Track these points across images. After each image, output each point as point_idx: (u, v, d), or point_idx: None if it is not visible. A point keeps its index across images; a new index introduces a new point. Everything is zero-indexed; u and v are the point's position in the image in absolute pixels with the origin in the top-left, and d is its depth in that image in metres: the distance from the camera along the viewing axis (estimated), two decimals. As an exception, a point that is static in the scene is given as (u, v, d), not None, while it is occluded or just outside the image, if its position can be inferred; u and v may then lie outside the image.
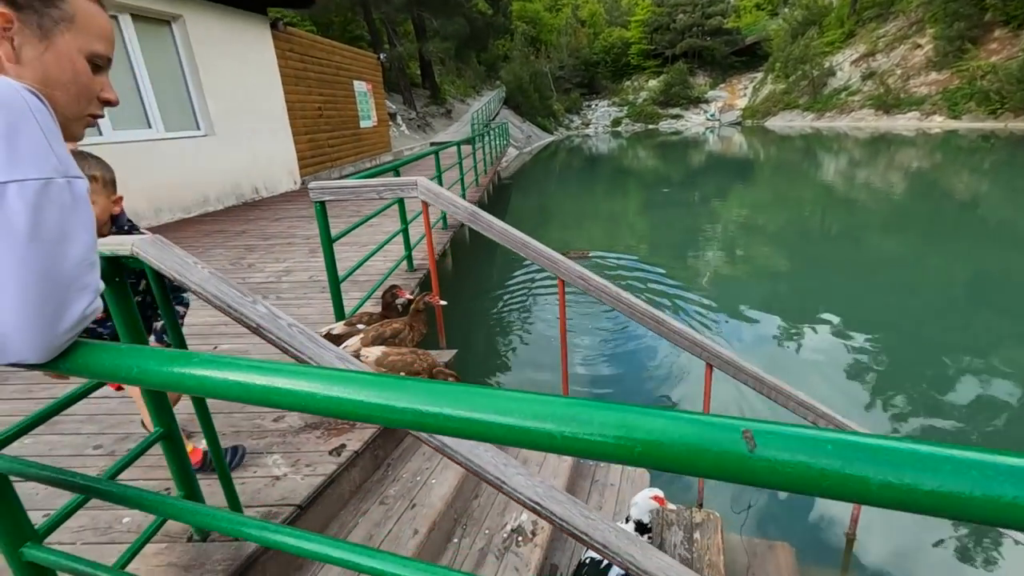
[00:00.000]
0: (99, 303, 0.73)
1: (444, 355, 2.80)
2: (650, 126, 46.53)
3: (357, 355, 2.34)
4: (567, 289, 2.47)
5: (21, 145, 0.62)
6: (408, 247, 4.30)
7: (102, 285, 0.74)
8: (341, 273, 3.07)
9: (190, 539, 1.58)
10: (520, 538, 2.01)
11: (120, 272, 1.26)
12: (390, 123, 20.10)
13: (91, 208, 0.71)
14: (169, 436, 1.43)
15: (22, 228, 0.62)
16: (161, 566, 1.49)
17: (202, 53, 7.56)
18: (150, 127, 6.92)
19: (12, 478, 0.96)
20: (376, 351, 2.34)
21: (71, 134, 0.81)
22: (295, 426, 2.15)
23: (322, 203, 2.56)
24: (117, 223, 1.60)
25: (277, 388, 0.61)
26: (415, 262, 4.40)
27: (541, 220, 12.37)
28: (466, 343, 4.74)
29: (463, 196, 7.64)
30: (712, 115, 45.80)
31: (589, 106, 51.20)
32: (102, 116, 0.86)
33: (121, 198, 1.60)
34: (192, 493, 1.54)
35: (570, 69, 49.76)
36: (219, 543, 1.56)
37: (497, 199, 14.25)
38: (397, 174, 4.04)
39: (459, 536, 2.04)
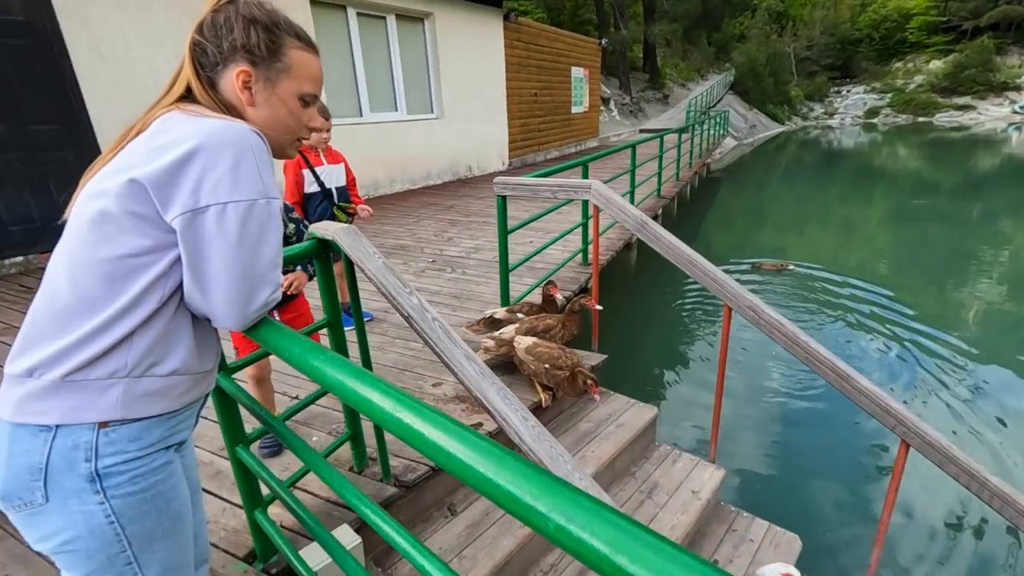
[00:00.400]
0: (279, 293, 0.95)
1: (593, 358, 2.81)
2: (920, 119, 37.38)
3: (511, 342, 2.52)
4: (735, 317, 2.24)
5: (241, 175, 0.84)
6: (585, 240, 4.36)
7: (281, 278, 0.96)
8: (517, 259, 3.30)
9: (350, 469, 1.94)
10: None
11: (325, 250, 1.59)
12: (602, 108, 20.14)
13: (280, 222, 0.92)
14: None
15: (233, 236, 0.84)
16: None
17: (444, 45, 8.60)
18: (396, 110, 8.20)
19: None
20: (528, 340, 2.47)
21: (285, 155, 1.05)
22: (448, 395, 2.43)
23: (503, 197, 2.76)
24: (292, 220, 1.95)
25: (371, 401, 0.73)
26: (591, 255, 4.44)
27: (751, 220, 11.15)
28: (622, 348, 4.55)
29: (658, 192, 7.34)
30: (1022, 107, 34.75)
31: (838, 92, 43.39)
32: (308, 139, 1.09)
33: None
34: (356, 434, 1.88)
35: (820, 49, 42.70)
36: (368, 479, 1.88)
37: (701, 194, 13.27)
38: (585, 169, 4.10)
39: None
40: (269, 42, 0.93)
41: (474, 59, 9.32)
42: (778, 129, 34.53)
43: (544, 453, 1.19)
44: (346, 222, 2.99)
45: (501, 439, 2.03)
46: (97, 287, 0.82)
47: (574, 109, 13.71)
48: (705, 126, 14.40)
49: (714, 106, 27.04)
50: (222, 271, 0.85)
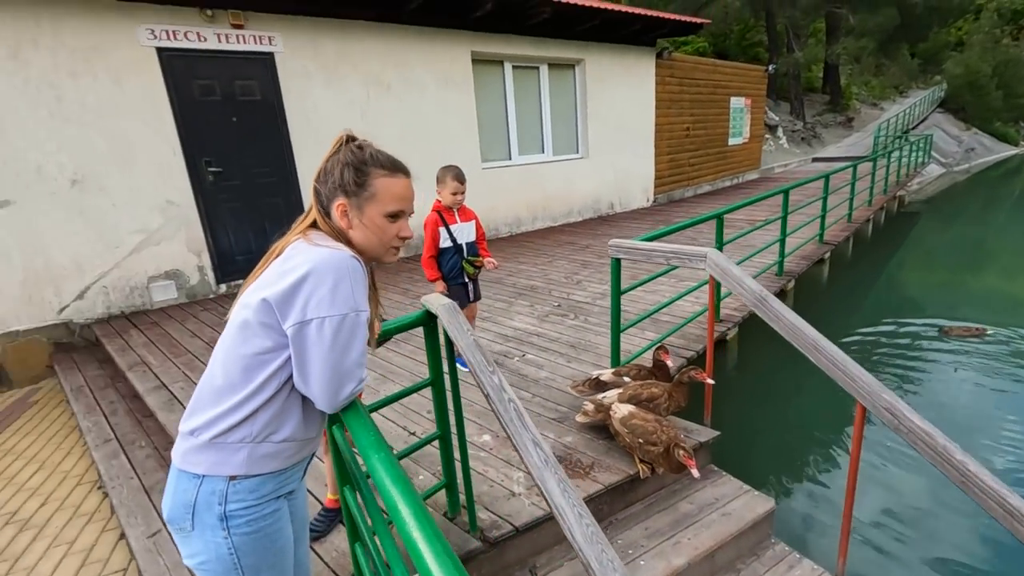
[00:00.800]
0: (362, 385, 1.15)
1: (703, 433, 2.64)
2: None
3: (608, 409, 2.50)
4: (870, 420, 1.95)
5: (338, 294, 1.06)
6: (719, 296, 4.10)
7: (367, 375, 1.16)
8: (642, 310, 3.26)
9: (444, 514, 2.12)
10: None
11: (432, 319, 1.80)
12: (767, 136, 18.61)
13: (366, 330, 1.12)
14: (443, 437, 1.96)
15: (328, 341, 1.06)
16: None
17: (593, 87, 8.85)
18: (543, 152, 8.64)
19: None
20: (625, 409, 2.44)
21: (383, 261, 1.26)
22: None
23: (618, 260, 2.78)
24: None
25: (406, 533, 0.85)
26: (722, 312, 4.17)
27: (962, 262, 9.15)
28: (742, 426, 3.95)
29: (820, 238, 6.54)
30: None
31: (1108, 103, 33.82)
32: (401, 245, 1.27)
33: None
34: (451, 482, 2.05)
35: (1080, 50, 33.88)
36: (457, 527, 2.03)
37: (891, 231, 11.38)
38: (720, 224, 3.88)
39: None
40: (356, 177, 1.15)
41: (623, 98, 9.40)
42: (1009, 152, 28.11)
43: (594, 556, 1.21)
44: (473, 273, 3.29)
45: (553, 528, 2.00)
46: (237, 374, 1.10)
47: (732, 140, 12.91)
48: (898, 154, 12.40)
49: (915, 128, 23.12)
50: (318, 367, 1.07)
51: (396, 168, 1.21)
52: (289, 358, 1.10)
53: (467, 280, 3.31)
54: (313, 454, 1.33)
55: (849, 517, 2.12)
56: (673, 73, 10.38)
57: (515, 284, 5.49)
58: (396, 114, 6.59)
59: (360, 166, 1.17)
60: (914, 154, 14.65)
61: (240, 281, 5.79)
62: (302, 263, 1.07)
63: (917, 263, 9.45)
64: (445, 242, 3.22)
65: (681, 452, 2.13)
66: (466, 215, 3.30)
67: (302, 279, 1.06)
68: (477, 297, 3.44)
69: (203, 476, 1.10)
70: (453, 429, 1.94)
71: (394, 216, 1.21)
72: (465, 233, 3.27)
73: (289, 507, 1.33)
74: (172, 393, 3.33)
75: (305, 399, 1.16)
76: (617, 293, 2.86)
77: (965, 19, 31.38)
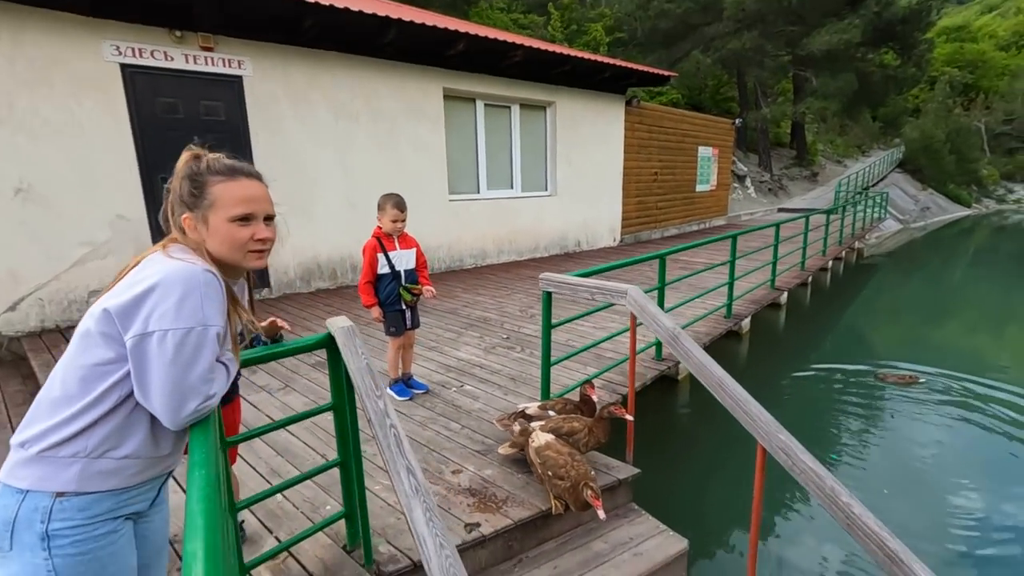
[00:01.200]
0: (211, 403, 1.12)
1: (623, 470, 2.63)
2: None
3: (528, 436, 2.48)
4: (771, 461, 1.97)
5: (185, 307, 1.05)
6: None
7: (215, 390, 1.13)
8: (576, 347, 3.28)
9: (343, 546, 2.04)
10: None
11: (333, 342, 1.78)
12: (736, 186, 19.37)
13: (216, 345, 1.11)
14: (344, 464, 1.91)
15: (169, 355, 1.04)
16: (316, 551, 1.98)
17: (563, 130, 9.14)
18: (512, 188, 8.80)
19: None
20: (543, 439, 2.42)
21: (243, 266, 1.24)
22: (462, 485, 2.45)
23: (548, 293, 2.82)
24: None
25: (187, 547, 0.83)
26: (664, 351, 4.22)
27: (918, 316, 9.41)
28: (664, 465, 3.88)
29: (771, 283, 6.74)
30: None
31: (1051, 172, 36.36)
32: (263, 248, 1.25)
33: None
34: (351, 513, 1.99)
35: (1024, 123, 36.60)
36: (354, 560, 1.96)
37: (849, 281, 11.75)
38: (663, 263, 3.98)
39: (551, 676, 1.91)
40: (193, 188, 1.17)
41: (592, 141, 9.72)
42: (961, 212, 29.71)
43: (447, 588, 1.17)
44: (411, 301, 3.28)
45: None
46: (75, 385, 1.07)
47: (699, 187, 13.38)
48: (860, 207, 12.94)
49: (874, 185, 24.35)
50: (158, 382, 1.05)
51: (235, 172, 1.21)
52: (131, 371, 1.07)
53: (404, 307, 3.30)
54: (170, 474, 1.29)
55: (754, 558, 2.11)
56: (643, 120, 10.81)
57: (469, 315, 5.48)
58: (364, 143, 6.68)
59: (196, 177, 1.18)
60: (872, 209, 15.39)
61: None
62: (152, 275, 1.07)
63: (869, 312, 9.77)
64: (383, 268, 3.22)
65: (588, 491, 2.11)
66: (407, 243, 3.32)
67: (148, 291, 1.05)
68: (415, 325, 3.42)
69: (27, 491, 1.05)
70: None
71: (243, 219, 1.19)
72: (404, 260, 3.28)
73: (141, 530, 1.27)
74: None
75: None
76: (547, 326, 2.88)
77: (920, 88, 33.72)
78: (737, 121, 15.20)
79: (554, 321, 2.91)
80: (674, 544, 2.36)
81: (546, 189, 9.31)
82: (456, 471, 2.57)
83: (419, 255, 3.37)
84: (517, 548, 2.27)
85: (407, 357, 3.52)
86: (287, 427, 2.75)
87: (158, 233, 5.32)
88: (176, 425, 1.09)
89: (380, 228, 3.23)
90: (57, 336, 4.65)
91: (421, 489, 1.35)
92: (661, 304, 4.20)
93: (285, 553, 2.00)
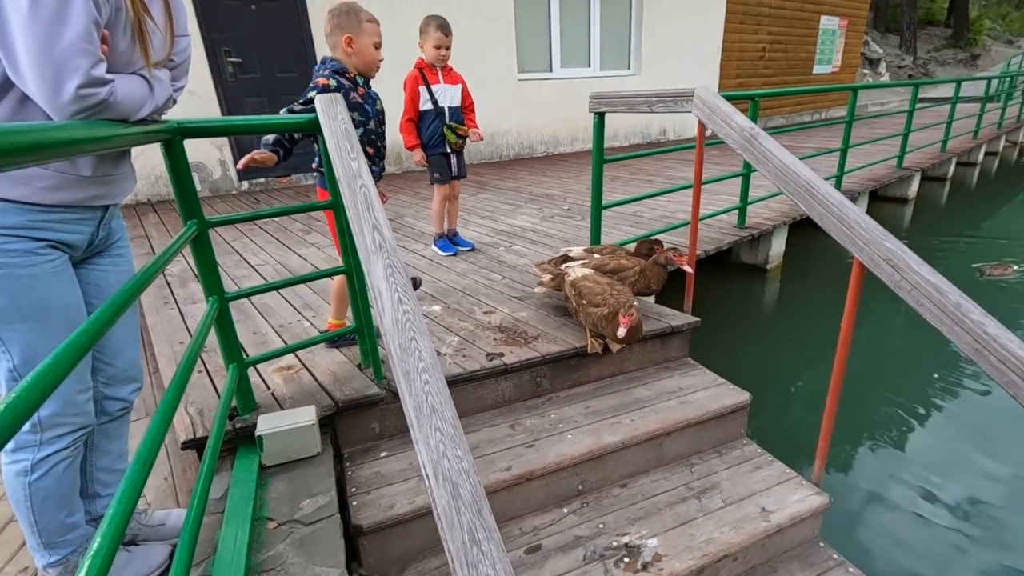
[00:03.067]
0: (100, 92, 0.91)
1: (679, 319, 2.26)
2: None
3: (564, 273, 2.18)
4: (870, 279, 1.50)
5: None
6: (745, 197, 3.55)
7: (103, 73, 0.91)
8: (667, 222, 2.84)
9: (359, 365, 1.93)
10: (627, 559, 1.54)
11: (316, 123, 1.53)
12: (866, 71, 16.36)
13: (91, 8, 0.86)
14: (349, 273, 1.73)
15: (25, 5, 0.81)
16: (330, 366, 1.89)
17: (652, -5, 7.91)
18: (589, 66, 7.93)
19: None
20: (579, 271, 2.12)
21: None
22: (491, 323, 2.24)
23: (600, 114, 2.36)
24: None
25: None
26: (749, 218, 3.62)
27: None
28: (727, 320, 3.49)
29: (898, 161, 5.58)
30: None
31: None
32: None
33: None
34: (362, 329, 1.84)
35: None
36: (366, 376, 1.84)
37: (1004, 181, 9.58)
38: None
39: (572, 509, 1.74)
40: None
41: (686, 8, 8.37)
42: None
43: (398, 343, 0.94)
44: (456, 143, 2.98)
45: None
46: None
47: (816, 69, 11.35)
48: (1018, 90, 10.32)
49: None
50: (21, 44, 0.84)
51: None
52: None
53: (450, 150, 3.01)
54: (108, 209, 1.14)
55: (832, 412, 1.71)
56: (751, -19, 9.09)
57: (531, 192, 5.12)
58: (422, 7, 6.16)
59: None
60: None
61: (263, 179, 5.81)
62: None
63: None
64: (425, 104, 2.91)
65: (628, 312, 1.78)
66: (452, 77, 2.96)
67: None
68: (462, 174, 3.13)
69: None
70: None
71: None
72: (449, 96, 2.94)
73: (91, 276, 1.16)
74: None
75: None
76: (599, 157, 2.45)
77: None
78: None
79: (618, 198, 2.47)
80: (732, 396, 2.01)
81: (628, 67, 8.30)
82: (488, 312, 2.37)
83: (466, 94, 3.01)
84: (547, 386, 2.05)
85: (452, 210, 3.28)
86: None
87: (228, 111, 5.39)
88: (60, 112, 0.89)
89: (422, 59, 2.88)
90: (148, 208, 4.98)
91: (386, 247, 1.10)
92: (746, 191, 3.55)
93: (299, 364, 1.93)
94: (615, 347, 2.05)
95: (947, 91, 17.03)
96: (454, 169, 3.07)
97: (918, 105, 5.49)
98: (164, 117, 1.24)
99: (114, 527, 0.70)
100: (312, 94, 1.77)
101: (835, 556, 1.75)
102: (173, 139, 1.28)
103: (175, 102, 1.22)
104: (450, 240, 3.28)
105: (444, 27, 2.80)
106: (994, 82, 10.48)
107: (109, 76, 0.93)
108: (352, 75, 1.83)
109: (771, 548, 1.70)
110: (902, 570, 2.02)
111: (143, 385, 1.36)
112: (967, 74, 19.52)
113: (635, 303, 1.85)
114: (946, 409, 2.97)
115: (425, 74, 2.89)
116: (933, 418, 2.90)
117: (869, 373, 3.22)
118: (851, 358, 1.65)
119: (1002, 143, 10.23)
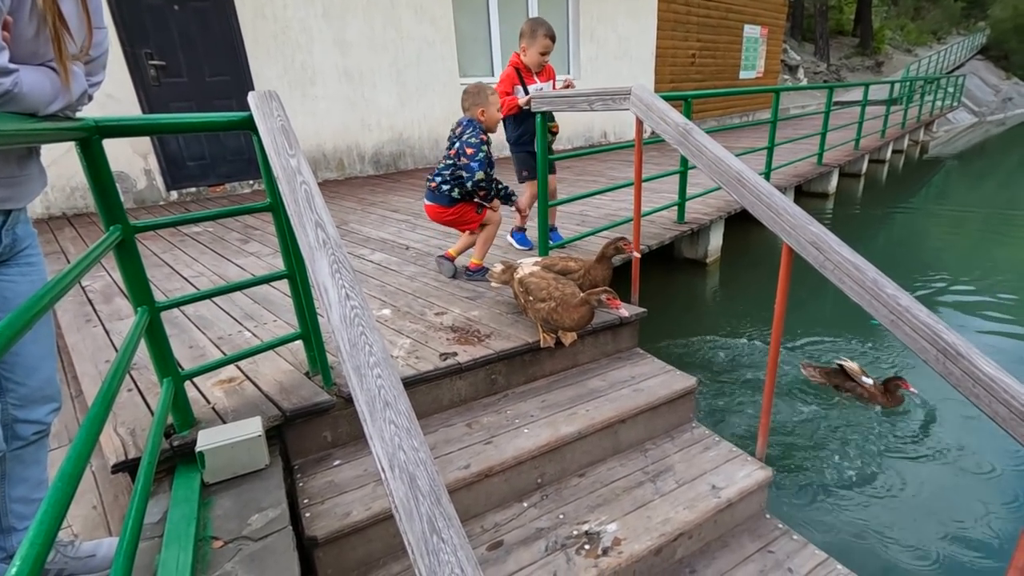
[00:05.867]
0: (5, 82, 0.84)
1: (629, 310, 2.32)
2: None
3: (513, 271, 2.20)
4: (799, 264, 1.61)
5: None
6: (683, 194, 3.71)
7: (3, 65, 0.84)
8: (591, 218, 2.89)
9: (306, 373, 1.86)
10: (587, 545, 1.56)
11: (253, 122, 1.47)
12: (786, 77, 17.52)
13: None
14: (292, 277, 1.67)
15: None
16: (275, 375, 1.81)
17: (587, 3, 8.13)
18: (530, 71, 8.04)
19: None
20: (527, 268, 2.14)
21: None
22: (444, 324, 2.22)
23: (542, 114, 2.40)
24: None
25: None
26: (688, 213, 3.78)
27: (980, 226, 8.01)
28: (671, 309, 3.64)
29: (818, 158, 6.02)
30: None
31: None
32: None
33: None
34: (307, 335, 1.78)
35: None
36: (314, 384, 1.77)
37: (910, 177, 10.50)
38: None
39: (532, 502, 1.74)
40: None
41: (620, 16, 8.67)
42: (1050, 104, 26.17)
43: (347, 339, 0.92)
44: (550, 140, 2.92)
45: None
46: None
47: (743, 74, 12.06)
48: (925, 93, 11.39)
49: (949, 73, 21.54)
50: None
51: None
52: None
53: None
54: (10, 214, 1.04)
55: (770, 391, 1.82)
56: (680, -9, 9.54)
57: (478, 195, 5.11)
58: (363, 12, 6.06)
59: None
60: (939, 96, 13.60)
61: (194, 189, 5.50)
62: None
63: (965, 215, 8.41)
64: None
65: (604, 297, 1.82)
66: (546, 74, 2.95)
67: None
68: (552, 169, 2.99)
69: None
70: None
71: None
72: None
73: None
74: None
75: None
76: (543, 157, 2.49)
77: (1017, -45, 28.67)
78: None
79: (567, 196, 2.52)
80: (680, 381, 2.09)
81: (568, 72, 8.48)
82: (440, 312, 2.34)
83: (553, 86, 2.98)
84: (503, 383, 2.05)
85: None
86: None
87: (148, 110, 5.08)
88: None
89: (518, 56, 2.85)
90: (63, 222, 4.60)
91: (331, 243, 1.07)
92: (684, 188, 3.71)
93: (241, 376, 1.84)
94: (568, 340, 2.09)
95: (857, 95, 18.53)
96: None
97: (833, 107, 5.93)
98: (79, 115, 1.16)
99: (34, 555, 0.63)
100: (484, 148, 2.46)
101: (780, 526, 1.85)
102: (91, 139, 1.20)
103: (91, 98, 1.14)
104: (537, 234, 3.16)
105: (552, 35, 2.80)
106: (897, 86, 11.50)
107: (12, 66, 0.86)
108: (485, 138, 2.48)
109: (723, 523, 1.78)
110: (840, 533, 2.16)
111: (62, 406, 1.25)
112: (874, 79, 21.31)
113: (579, 293, 1.88)
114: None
115: (521, 73, 2.86)
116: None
117: (803, 353, 3.44)
118: (786, 341, 1.76)
119: (906, 142, 11.22)
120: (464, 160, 2.44)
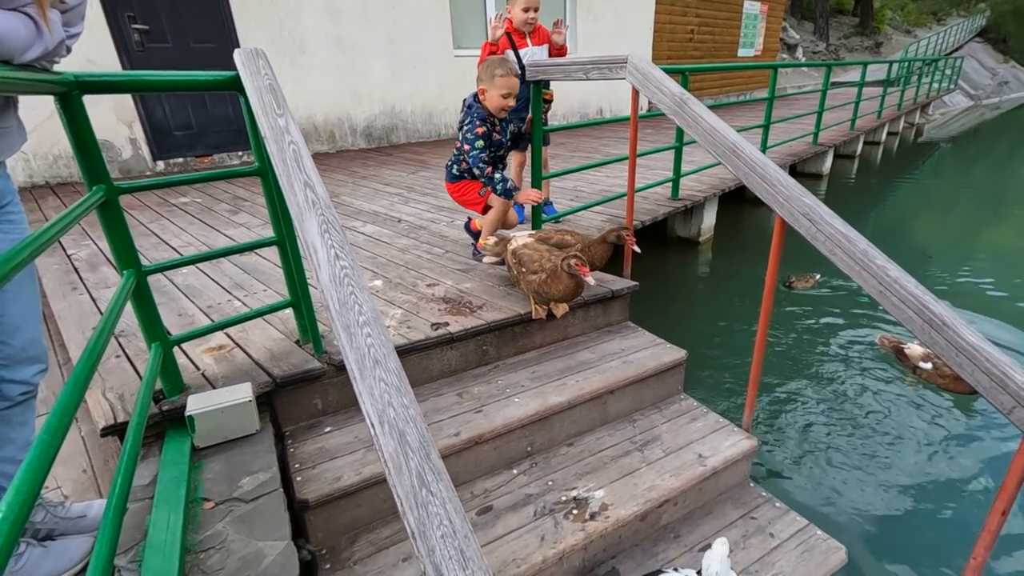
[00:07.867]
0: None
1: (619, 283, 2.33)
2: None
3: (507, 243, 2.19)
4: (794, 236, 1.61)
5: None
6: (678, 170, 3.69)
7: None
8: (584, 193, 2.86)
9: (296, 341, 1.85)
10: (575, 510, 1.59)
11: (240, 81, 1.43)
12: (784, 56, 17.32)
13: None
14: (281, 244, 1.65)
15: None
16: (265, 343, 1.80)
17: (585, -27, 7.94)
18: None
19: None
20: (521, 239, 2.13)
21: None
22: (436, 295, 2.21)
23: (536, 83, 2.36)
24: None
25: None
26: (682, 190, 3.77)
27: (971, 212, 7.97)
28: (667, 291, 3.71)
29: (813, 138, 5.99)
30: None
31: None
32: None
33: None
34: (298, 303, 1.77)
35: None
36: (305, 352, 1.77)
37: (906, 159, 10.47)
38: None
39: (522, 470, 1.77)
40: None
41: (619, -12, 8.49)
42: (1046, 88, 26.13)
43: (337, 298, 0.91)
44: (543, 108, 2.85)
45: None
46: None
47: (741, 52, 11.90)
48: (922, 76, 11.30)
49: (947, 55, 21.40)
50: None
51: None
52: None
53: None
54: (2, 166, 1.01)
55: (759, 362, 1.84)
56: (679, -36, 9.34)
57: (472, 169, 5.06)
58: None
59: None
60: (936, 79, 13.53)
61: (181, 159, 5.39)
62: None
63: (956, 196, 8.41)
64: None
65: (572, 261, 1.81)
66: (539, 37, 2.86)
67: None
68: (546, 141, 2.97)
69: None
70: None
71: None
72: (536, 58, 2.82)
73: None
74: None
75: None
76: (539, 127, 2.45)
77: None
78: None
79: (562, 168, 2.48)
80: (670, 354, 2.11)
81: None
82: (432, 284, 2.34)
83: (553, 51, 2.89)
84: (493, 354, 2.06)
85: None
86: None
87: (136, 83, 4.93)
88: None
89: (511, 22, 2.75)
90: (47, 191, 4.50)
91: (320, 203, 1.05)
92: (679, 163, 3.68)
93: (231, 343, 1.83)
94: (559, 312, 2.09)
95: (855, 75, 18.38)
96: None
97: (830, 87, 5.89)
98: (58, 68, 1.12)
99: (18, 506, 0.62)
100: (480, 143, 2.31)
101: (763, 494, 1.89)
102: (70, 94, 1.16)
103: (69, 50, 1.10)
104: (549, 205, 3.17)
105: None
106: (895, 67, 11.40)
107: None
108: (492, 120, 2.31)
109: (707, 492, 1.82)
110: (820, 500, 2.22)
111: (49, 368, 1.24)
112: (871, 58, 21.13)
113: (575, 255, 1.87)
114: (856, 357, 3.26)
115: (512, 37, 2.78)
116: (845, 364, 3.17)
117: (791, 331, 3.48)
118: (774, 319, 1.77)
119: (901, 124, 11.19)
120: (465, 157, 2.39)
